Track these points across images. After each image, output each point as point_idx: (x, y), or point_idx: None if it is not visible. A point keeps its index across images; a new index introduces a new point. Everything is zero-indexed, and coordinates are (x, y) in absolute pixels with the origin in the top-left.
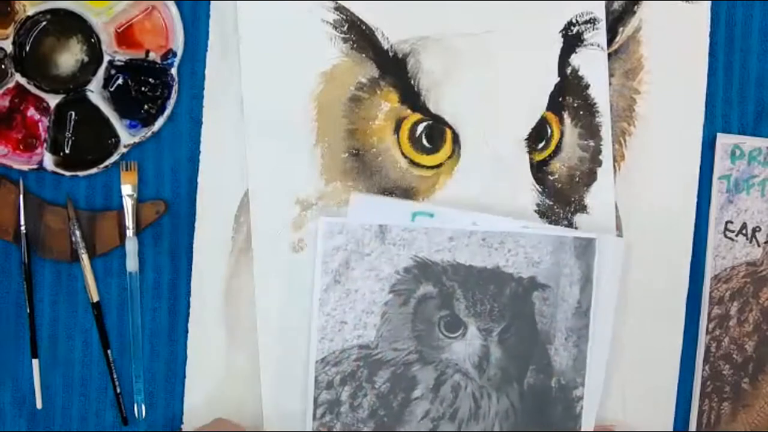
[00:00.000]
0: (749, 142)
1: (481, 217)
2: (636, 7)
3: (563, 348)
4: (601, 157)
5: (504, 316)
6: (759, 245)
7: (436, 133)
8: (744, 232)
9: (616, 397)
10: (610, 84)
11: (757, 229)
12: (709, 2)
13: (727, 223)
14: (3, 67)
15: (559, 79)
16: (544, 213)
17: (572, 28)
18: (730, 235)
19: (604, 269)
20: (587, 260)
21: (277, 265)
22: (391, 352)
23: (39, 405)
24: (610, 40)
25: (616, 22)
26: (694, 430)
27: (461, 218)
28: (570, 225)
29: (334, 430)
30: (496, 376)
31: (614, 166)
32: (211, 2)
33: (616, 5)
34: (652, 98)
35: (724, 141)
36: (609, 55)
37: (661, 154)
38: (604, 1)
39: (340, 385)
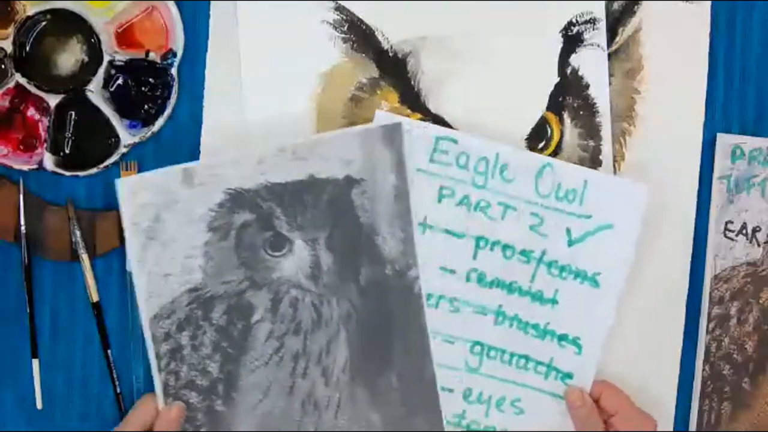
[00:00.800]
0: (749, 142)
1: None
2: (636, 7)
3: (390, 236)
4: (601, 157)
5: (327, 222)
6: (759, 245)
7: None
8: (744, 232)
9: None
10: (609, 84)
11: (758, 229)
12: (710, 2)
13: (727, 223)
14: (3, 67)
15: (559, 78)
16: None
17: (572, 27)
18: (730, 235)
19: (624, 213)
20: (396, 145)
21: None
22: (221, 287)
23: (39, 405)
24: (610, 40)
25: (616, 22)
26: (694, 430)
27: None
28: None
29: (181, 374)
30: (331, 280)
31: (614, 166)
32: (211, 2)
33: (616, 5)
34: (652, 98)
35: (724, 141)
36: (609, 55)
37: (661, 154)
38: (604, 1)
39: (177, 332)
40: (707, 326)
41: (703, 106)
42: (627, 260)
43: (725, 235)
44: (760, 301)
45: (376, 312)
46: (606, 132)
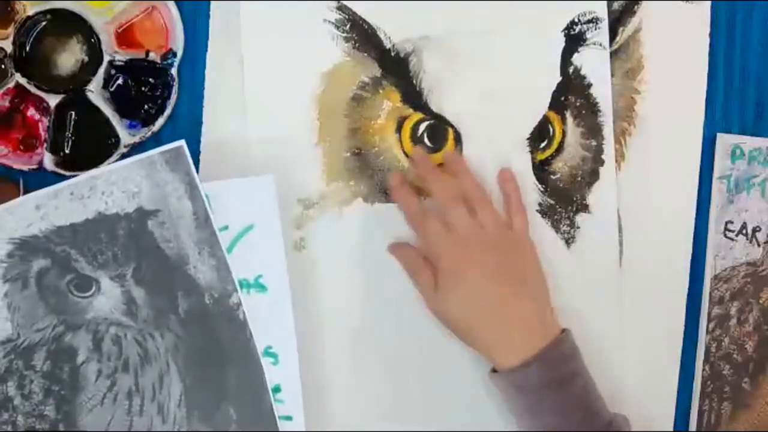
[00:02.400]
0: (749, 142)
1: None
2: (636, 7)
3: (200, 263)
4: (603, 156)
5: (129, 257)
6: (759, 245)
7: (438, 133)
8: (744, 232)
9: (616, 396)
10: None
11: (757, 229)
12: (709, 2)
13: (727, 223)
14: (3, 67)
15: (561, 78)
16: (545, 212)
17: (574, 27)
18: (730, 235)
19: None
20: (183, 169)
21: None
22: (36, 334)
23: None
24: (610, 40)
25: (616, 22)
26: (694, 430)
27: None
28: (572, 224)
29: (18, 423)
30: (149, 314)
31: (614, 165)
32: (211, 2)
33: (616, 5)
34: (652, 98)
35: (724, 141)
36: (609, 54)
37: (661, 154)
38: (606, 1)
39: (1, 384)
40: (707, 326)
41: (703, 106)
42: (281, 255)
43: (725, 235)
44: (760, 301)
45: (203, 343)
46: (608, 131)
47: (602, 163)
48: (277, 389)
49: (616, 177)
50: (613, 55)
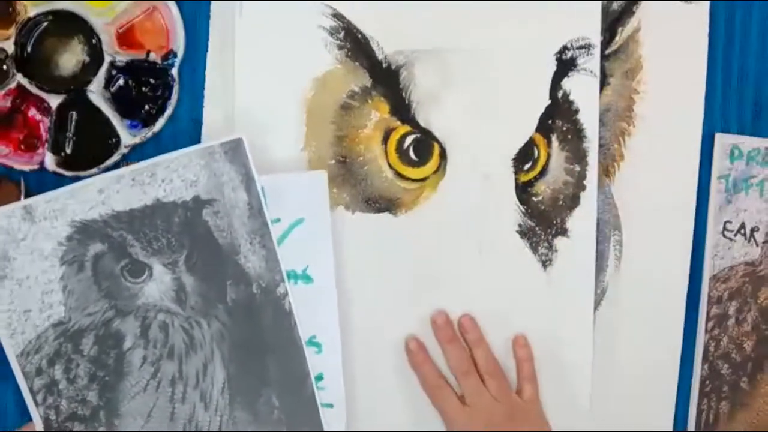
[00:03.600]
0: (748, 142)
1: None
2: (635, 7)
3: (251, 252)
4: (585, 182)
5: (183, 245)
6: (757, 245)
7: (424, 147)
8: (742, 232)
9: (616, 397)
10: (609, 84)
11: (756, 229)
12: (709, 2)
13: (725, 223)
14: (4, 67)
15: (550, 101)
16: (524, 233)
17: (566, 52)
18: (728, 235)
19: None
20: (241, 160)
21: None
22: (86, 318)
23: None
24: (609, 40)
25: (615, 22)
26: (694, 429)
27: None
28: (550, 247)
29: (62, 407)
30: (198, 302)
31: (614, 165)
32: (211, 2)
33: (615, 5)
34: (652, 98)
35: (722, 141)
36: (608, 55)
37: (660, 154)
38: (600, 28)
39: (49, 367)
40: (706, 326)
41: (702, 106)
42: (328, 248)
43: (724, 235)
44: (759, 301)
45: (248, 331)
46: (592, 158)
47: (584, 188)
48: (319, 377)
49: (612, 179)
50: (613, 55)
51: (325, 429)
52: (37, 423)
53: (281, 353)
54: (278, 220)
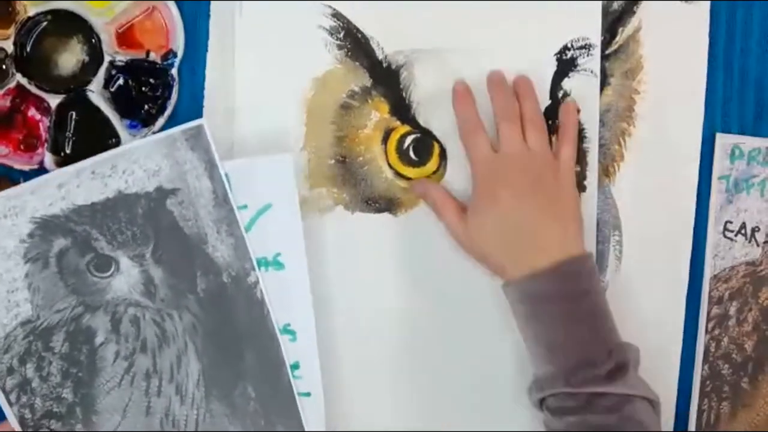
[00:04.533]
0: (749, 142)
1: None
2: (636, 7)
3: (219, 241)
4: (586, 182)
5: (148, 236)
6: (758, 245)
7: (424, 147)
8: (743, 232)
9: None
10: (609, 84)
11: (757, 229)
12: (709, 2)
13: (726, 223)
14: (4, 67)
15: (550, 102)
16: None
17: (567, 52)
18: (729, 235)
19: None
20: (203, 147)
21: None
22: (55, 315)
23: None
24: (610, 40)
25: (615, 22)
26: (694, 429)
27: None
28: None
29: (36, 405)
30: (168, 295)
31: (614, 166)
32: (211, 2)
33: (615, 5)
34: (652, 98)
35: (723, 141)
36: (608, 55)
37: (661, 154)
38: (600, 27)
39: (20, 366)
40: (706, 326)
41: (703, 106)
42: (298, 232)
43: (724, 235)
44: (759, 301)
45: (220, 322)
46: (592, 158)
47: (584, 188)
48: (295, 366)
49: (612, 179)
50: (613, 55)
51: (303, 417)
52: (12, 422)
53: (255, 343)
54: (245, 206)
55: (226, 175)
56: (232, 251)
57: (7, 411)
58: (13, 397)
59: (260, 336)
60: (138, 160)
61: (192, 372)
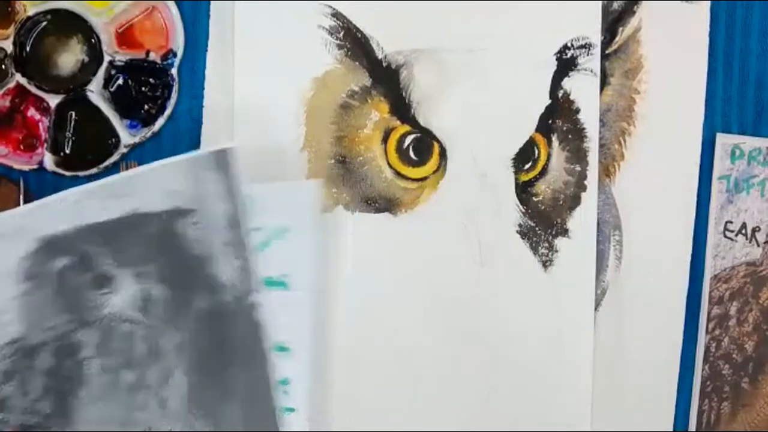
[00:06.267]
0: (749, 142)
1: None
2: (636, 7)
3: (226, 263)
4: (586, 182)
5: (155, 255)
6: (759, 245)
7: (424, 147)
8: (744, 232)
9: (616, 397)
10: (609, 84)
11: (757, 229)
12: (709, 2)
13: (726, 223)
14: (3, 67)
15: (550, 101)
16: (525, 233)
17: (567, 51)
18: (729, 235)
19: (301, 215)
20: (227, 171)
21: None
22: (45, 333)
23: None
24: (610, 40)
25: (615, 22)
26: (694, 430)
27: None
28: (551, 247)
29: (11, 421)
30: (166, 312)
31: (614, 165)
32: (211, 2)
33: (616, 5)
34: (652, 98)
35: (723, 141)
36: (608, 54)
37: (661, 154)
38: (600, 27)
39: (2, 383)
40: (707, 326)
41: (703, 106)
42: (311, 258)
43: (725, 235)
44: (760, 301)
45: (215, 341)
46: (593, 158)
47: (585, 188)
48: (284, 382)
49: (612, 180)
50: (613, 55)
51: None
52: None
53: (247, 363)
54: (259, 228)
55: (247, 197)
56: (239, 273)
57: None
58: None
59: (254, 357)
60: (159, 180)
61: (179, 388)
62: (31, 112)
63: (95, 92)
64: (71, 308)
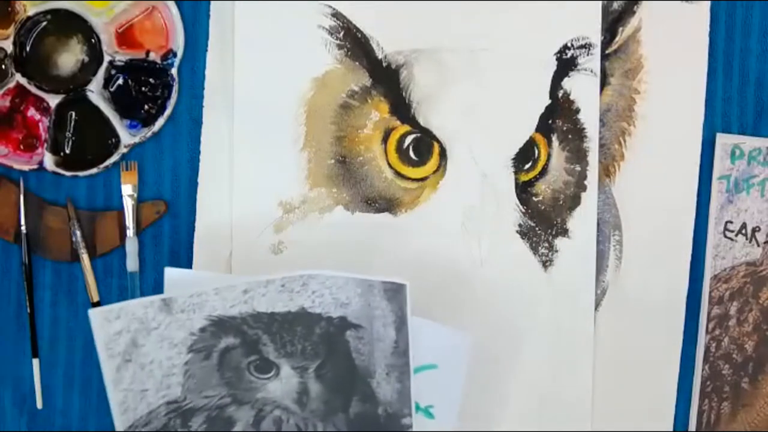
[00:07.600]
0: (749, 142)
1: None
2: (636, 7)
3: (386, 382)
4: (586, 182)
5: (318, 354)
6: (758, 245)
7: (424, 147)
8: (744, 232)
9: (616, 397)
10: (609, 84)
11: (757, 229)
12: (709, 2)
13: (726, 223)
14: (3, 67)
15: (550, 101)
16: (525, 233)
17: (567, 51)
18: (729, 235)
19: (450, 359)
20: (399, 303)
21: (256, 267)
22: (201, 400)
23: (39, 405)
24: (610, 40)
25: (616, 22)
26: (694, 430)
27: None
28: (551, 247)
29: None
30: (319, 407)
31: (614, 165)
32: (211, 2)
33: (616, 5)
34: (652, 98)
35: (723, 141)
36: (608, 54)
37: (661, 154)
38: (600, 27)
39: None
40: (707, 326)
41: (703, 106)
42: (455, 398)
43: (725, 235)
44: (760, 301)
45: None
46: (593, 157)
47: (585, 188)
48: None
49: (613, 180)
50: (613, 55)
51: None
52: None
53: None
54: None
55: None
56: (396, 394)
57: None
58: None
59: None
60: (331, 288)
61: None
62: (31, 112)
63: (95, 92)
64: (230, 384)
